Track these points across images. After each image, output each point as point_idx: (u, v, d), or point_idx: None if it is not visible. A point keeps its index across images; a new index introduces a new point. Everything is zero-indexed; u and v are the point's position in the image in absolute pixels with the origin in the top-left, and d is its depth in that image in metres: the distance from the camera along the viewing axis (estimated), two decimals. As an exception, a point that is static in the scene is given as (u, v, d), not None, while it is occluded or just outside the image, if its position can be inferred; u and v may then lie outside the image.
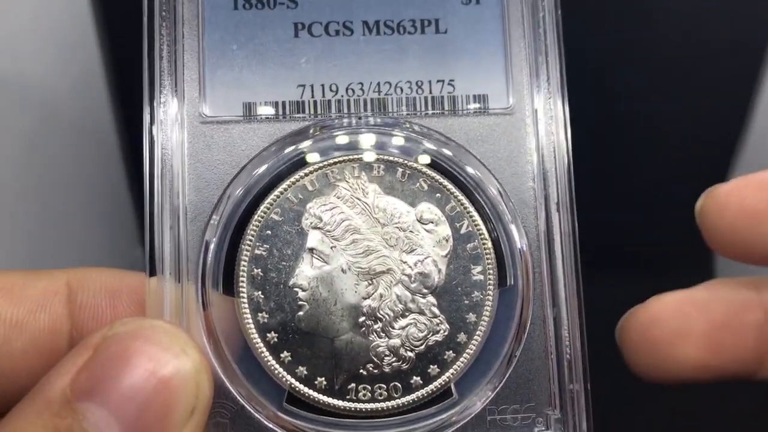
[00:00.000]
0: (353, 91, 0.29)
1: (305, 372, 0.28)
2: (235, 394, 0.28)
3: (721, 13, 0.52)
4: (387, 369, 0.28)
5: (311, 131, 0.29)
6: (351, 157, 0.29)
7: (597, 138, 0.52)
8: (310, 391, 0.28)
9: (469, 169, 0.29)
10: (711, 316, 0.32)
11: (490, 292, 0.28)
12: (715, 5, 0.51)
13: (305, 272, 0.28)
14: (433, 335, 0.28)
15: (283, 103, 0.29)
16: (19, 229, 0.60)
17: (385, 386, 0.28)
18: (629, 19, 0.51)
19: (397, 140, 0.29)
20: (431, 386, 0.28)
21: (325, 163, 0.29)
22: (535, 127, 0.30)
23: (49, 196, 0.61)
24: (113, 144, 0.53)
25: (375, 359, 0.28)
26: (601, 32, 0.51)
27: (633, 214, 0.56)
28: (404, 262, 0.28)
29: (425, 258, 0.28)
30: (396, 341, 0.28)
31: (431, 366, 0.28)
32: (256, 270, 0.28)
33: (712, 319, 0.32)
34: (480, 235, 0.29)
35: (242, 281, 0.28)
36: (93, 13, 0.49)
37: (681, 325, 0.31)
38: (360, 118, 0.29)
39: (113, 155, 0.53)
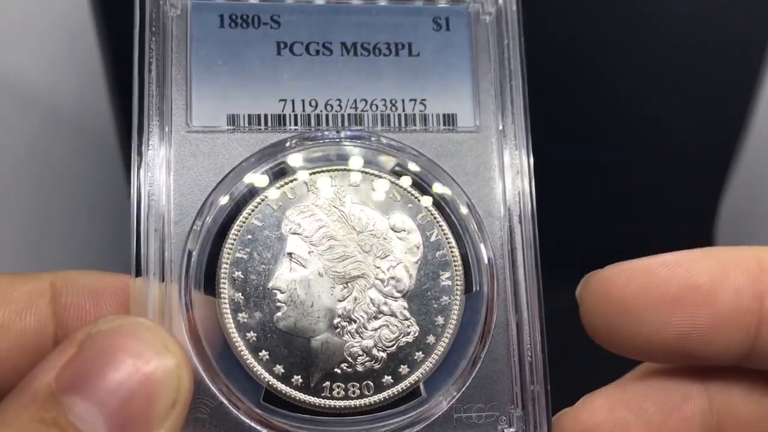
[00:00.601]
0: (332, 106, 0.31)
1: (282, 370, 0.29)
2: (215, 390, 0.29)
3: (721, 13, 0.53)
4: (360, 368, 0.29)
5: (291, 143, 0.31)
6: (329, 167, 0.31)
7: (593, 142, 0.54)
8: (287, 389, 0.29)
9: (439, 182, 0.31)
10: (647, 416, 0.30)
11: (458, 297, 0.30)
12: (715, 5, 0.53)
13: (284, 275, 0.29)
14: (403, 337, 0.30)
15: (266, 116, 0.31)
16: (19, 229, 0.60)
17: (358, 384, 0.29)
18: (624, 21, 0.53)
19: (372, 153, 0.31)
20: (401, 385, 0.30)
21: (305, 172, 0.30)
22: (499, 145, 0.32)
23: (48, 197, 0.61)
24: (113, 145, 0.54)
25: (349, 359, 0.29)
26: (593, 36, 0.52)
27: (623, 216, 0.57)
28: (378, 267, 0.30)
29: (397, 264, 0.30)
30: (369, 342, 0.29)
31: (402, 366, 0.30)
32: (237, 272, 0.29)
33: (649, 421, 0.30)
34: (448, 243, 0.31)
35: (223, 283, 0.29)
36: (93, 14, 0.50)
37: None
38: (338, 132, 0.31)
39: (113, 156, 0.54)
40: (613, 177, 0.57)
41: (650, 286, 0.29)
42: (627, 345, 0.30)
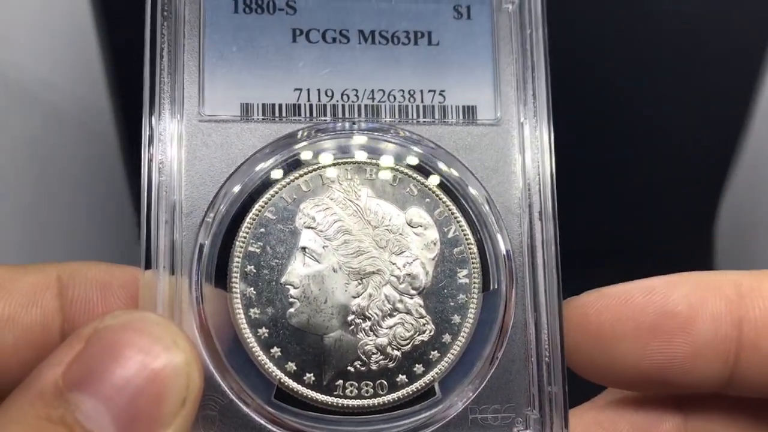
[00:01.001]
0: (348, 96, 0.30)
1: (294, 367, 0.28)
2: (225, 387, 0.28)
3: (720, 14, 0.52)
4: (374, 367, 0.29)
5: (306, 134, 0.30)
6: (344, 160, 0.30)
7: (594, 142, 0.53)
8: (299, 387, 0.28)
9: (457, 176, 0.30)
10: None
11: (475, 295, 0.29)
12: (715, 6, 0.52)
13: (297, 270, 0.29)
14: (419, 335, 0.29)
15: (280, 105, 0.30)
16: (20, 225, 0.60)
17: (371, 383, 0.29)
18: (623, 23, 0.52)
19: (389, 146, 0.30)
20: (416, 385, 0.29)
21: (319, 165, 0.30)
22: (520, 139, 0.31)
23: (49, 194, 0.60)
24: (114, 142, 0.53)
25: (363, 357, 0.28)
26: (593, 37, 0.52)
27: (623, 216, 0.57)
28: (393, 264, 0.29)
29: (414, 260, 0.29)
30: (383, 340, 0.29)
31: (417, 365, 0.29)
32: (249, 266, 0.28)
33: None
34: (466, 240, 0.30)
35: (235, 277, 0.28)
36: (93, 13, 0.49)
37: None
38: (354, 123, 0.30)
39: (114, 153, 0.53)
40: (613, 177, 0.57)
41: (626, 314, 0.29)
42: (604, 374, 0.29)
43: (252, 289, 0.28)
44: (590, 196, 0.56)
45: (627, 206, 0.58)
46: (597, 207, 0.57)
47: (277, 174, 0.29)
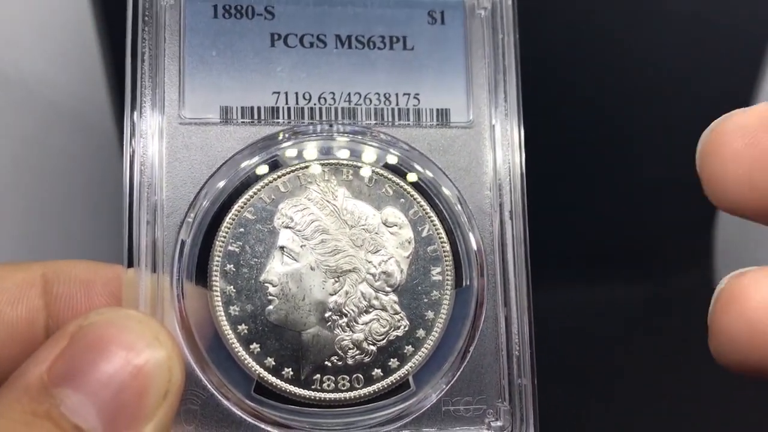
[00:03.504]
0: (325, 99, 0.31)
1: (273, 363, 0.29)
2: (206, 382, 0.29)
3: (721, 13, 0.53)
4: (350, 361, 0.30)
5: (284, 136, 0.31)
6: (322, 161, 0.31)
7: (589, 140, 0.54)
8: (278, 381, 0.29)
9: (431, 177, 0.31)
10: None
11: (448, 292, 0.31)
12: (715, 5, 0.53)
13: (276, 269, 0.30)
14: (394, 330, 0.30)
15: (259, 108, 0.31)
16: (16, 221, 0.60)
17: (348, 377, 0.30)
18: (612, 21, 0.53)
19: (365, 147, 0.31)
20: (391, 378, 0.30)
21: (298, 166, 0.30)
22: (492, 141, 0.32)
23: (46, 189, 0.61)
24: (113, 140, 0.54)
25: (339, 352, 0.30)
26: (574, 37, 0.52)
27: (623, 217, 0.57)
28: (369, 262, 0.30)
29: (389, 258, 0.30)
30: (359, 335, 0.30)
31: (391, 359, 0.30)
32: (229, 265, 0.29)
33: None
34: (440, 238, 0.31)
35: (215, 275, 0.29)
36: (93, 13, 0.49)
37: None
38: (331, 126, 0.31)
39: (113, 151, 0.54)
40: (610, 176, 0.57)
41: None
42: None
43: (232, 287, 0.29)
44: (586, 195, 0.57)
45: (627, 207, 0.59)
46: (593, 206, 0.58)
47: (256, 173, 0.30)
